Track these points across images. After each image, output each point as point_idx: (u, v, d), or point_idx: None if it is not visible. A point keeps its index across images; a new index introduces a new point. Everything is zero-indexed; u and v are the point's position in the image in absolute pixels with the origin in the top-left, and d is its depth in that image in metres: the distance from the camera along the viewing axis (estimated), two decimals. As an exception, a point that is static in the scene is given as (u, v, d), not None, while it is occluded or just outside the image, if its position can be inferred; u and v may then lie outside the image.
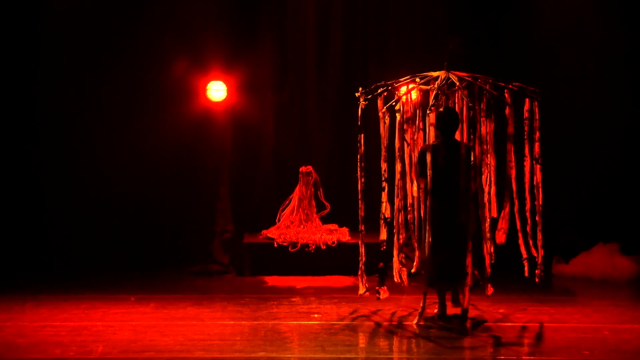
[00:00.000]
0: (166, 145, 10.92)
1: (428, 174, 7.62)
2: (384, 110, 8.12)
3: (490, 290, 8.08)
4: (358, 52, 11.31)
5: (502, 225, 8.29)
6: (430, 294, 7.87)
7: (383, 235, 8.03)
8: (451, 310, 7.93)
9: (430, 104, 7.76)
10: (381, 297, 8.09)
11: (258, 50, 11.19)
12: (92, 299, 8.65)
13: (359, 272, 8.22)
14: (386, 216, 8.03)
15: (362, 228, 8.16)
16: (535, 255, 8.26)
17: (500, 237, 8.27)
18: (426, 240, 7.64)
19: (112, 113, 10.93)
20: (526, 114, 8.25)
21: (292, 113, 11.39)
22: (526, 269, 8.27)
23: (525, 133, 8.25)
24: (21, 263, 10.45)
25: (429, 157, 7.62)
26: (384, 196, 8.01)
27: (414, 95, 8.38)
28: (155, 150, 10.94)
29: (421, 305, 7.73)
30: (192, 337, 7.19)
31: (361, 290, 8.25)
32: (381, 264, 8.13)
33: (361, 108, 8.12)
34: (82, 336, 7.20)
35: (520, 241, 8.25)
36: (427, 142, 7.95)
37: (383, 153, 8.06)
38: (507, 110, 8.23)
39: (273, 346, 6.96)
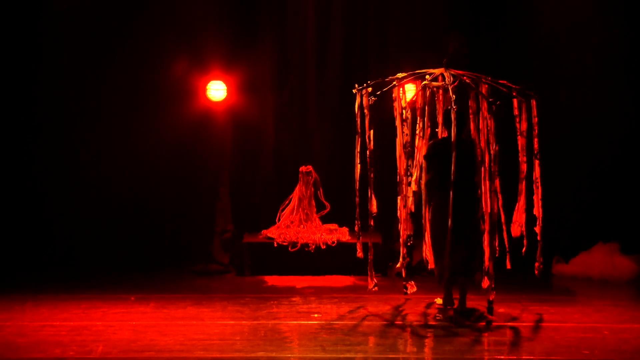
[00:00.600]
0: (166, 145, 10.92)
1: (439, 170, 7.77)
2: (404, 106, 8.22)
3: (485, 283, 8.11)
4: (358, 52, 11.29)
5: (517, 218, 8.35)
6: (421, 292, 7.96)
7: (410, 230, 8.11)
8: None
9: (453, 100, 7.85)
10: (409, 291, 8.13)
11: (258, 50, 11.18)
12: (92, 299, 8.65)
13: (368, 268, 8.34)
14: (412, 211, 8.11)
15: (372, 223, 8.35)
16: (524, 247, 8.30)
17: (516, 230, 8.34)
18: (442, 236, 7.74)
19: (112, 113, 10.93)
20: (516, 112, 8.35)
21: (292, 113, 11.38)
22: (508, 262, 8.26)
23: (518, 130, 8.34)
24: (21, 263, 10.45)
25: (439, 154, 7.79)
26: (409, 191, 8.09)
27: (412, 92, 8.51)
28: (155, 150, 10.94)
29: (442, 302, 7.93)
30: (192, 337, 7.19)
31: (370, 285, 8.35)
32: (407, 259, 8.23)
33: (370, 104, 8.26)
34: (82, 336, 7.20)
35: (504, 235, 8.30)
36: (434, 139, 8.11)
37: (409, 149, 8.22)
38: (493, 108, 8.31)
39: (273, 346, 6.96)
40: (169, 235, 10.96)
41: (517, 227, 8.40)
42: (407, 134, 8.19)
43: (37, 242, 10.73)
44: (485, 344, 7.14)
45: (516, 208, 8.41)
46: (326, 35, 11.28)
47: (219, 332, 7.40)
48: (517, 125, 8.36)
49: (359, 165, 8.50)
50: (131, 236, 10.85)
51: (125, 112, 10.92)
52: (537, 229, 8.31)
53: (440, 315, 7.87)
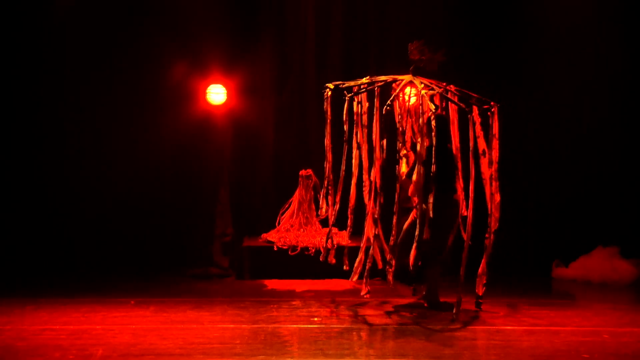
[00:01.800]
0: (166, 149, 10.92)
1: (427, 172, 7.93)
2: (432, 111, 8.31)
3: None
4: (358, 56, 11.30)
5: (494, 212, 8.41)
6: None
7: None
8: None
9: (461, 106, 7.94)
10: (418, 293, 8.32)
11: (258, 54, 11.18)
12: (91, 302, 8.64)
13: (365, 274, 8.46)
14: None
15: (379, 227, 8.41)
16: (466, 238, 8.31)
17: (495, 224, 8.39)
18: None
19: (113, 116, 10.93)
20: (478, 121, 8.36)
21: (292, 116, 11.38)
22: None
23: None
24: (21, 266, 10.45)
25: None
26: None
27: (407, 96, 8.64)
28: (156, 154, 10.93)
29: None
30: (191, 341, 7.19)
31: (363, 292, 8.45)
32: (405, 261, 8.37)
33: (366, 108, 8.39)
34: (82, 340, 7.19)
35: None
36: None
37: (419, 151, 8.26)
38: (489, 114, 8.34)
39: (273, 349, 6.95)
40: (169, 239, 10.95)
41: (494, 220, 8.48)
42: (384, 138, 8.40)
43: (37, 245, 10.73)
44: (485, 347, 7.14)
45: (492, 203, 8.50)
46: (326, 38, 11.29)
47: (219, 335, 7.40)
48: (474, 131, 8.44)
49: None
50: (131, 239, 10.85)
51: (126, 116, 10.93)
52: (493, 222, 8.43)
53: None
